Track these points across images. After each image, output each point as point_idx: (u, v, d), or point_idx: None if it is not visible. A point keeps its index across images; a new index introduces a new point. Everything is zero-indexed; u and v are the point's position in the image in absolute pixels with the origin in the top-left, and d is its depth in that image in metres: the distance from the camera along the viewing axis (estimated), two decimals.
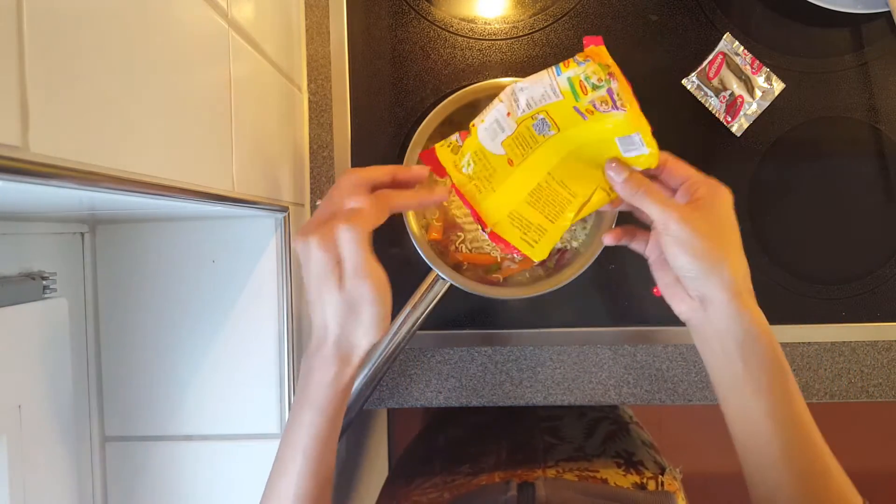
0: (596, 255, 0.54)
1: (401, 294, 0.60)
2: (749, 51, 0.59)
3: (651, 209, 0.43)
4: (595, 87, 0.44)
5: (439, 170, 0.47)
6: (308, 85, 0.62)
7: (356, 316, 0.41)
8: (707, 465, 1.17)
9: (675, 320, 0.61)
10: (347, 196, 0.41)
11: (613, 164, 0.45)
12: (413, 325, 0.54)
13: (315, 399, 0.41)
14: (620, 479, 0.61)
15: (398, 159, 0.58)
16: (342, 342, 0.41)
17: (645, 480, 0.62)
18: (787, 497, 0.42)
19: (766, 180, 0.60)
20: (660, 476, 0.64)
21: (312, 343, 0.42)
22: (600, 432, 0.69)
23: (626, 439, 0.69)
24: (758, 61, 0.59)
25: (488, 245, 0.56)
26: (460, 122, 0.57)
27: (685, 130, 0.60)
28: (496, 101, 0.47)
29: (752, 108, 0.59)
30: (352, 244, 0.40)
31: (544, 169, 0.47)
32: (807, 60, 0.60)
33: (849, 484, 0.42)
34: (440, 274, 0.52)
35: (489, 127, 0.46)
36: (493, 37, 0.60)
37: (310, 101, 0.62)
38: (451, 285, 0.53)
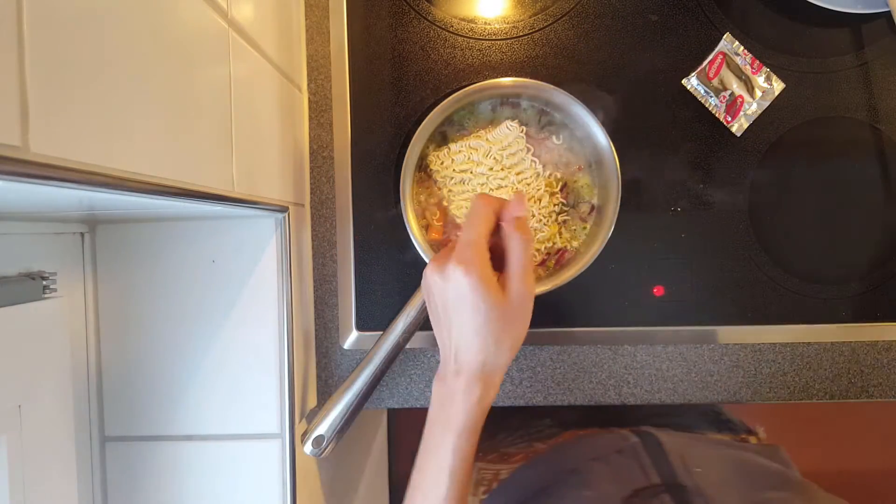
0: (596, 255, 0.54)
1: (401, 294, 0.61)
2: (749, 51, 0.59)
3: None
4: None
5: None
6: (308, 85, 0.62)
7: (504, 333, 0.42)
8: None
9: (674, 320, 0.61)
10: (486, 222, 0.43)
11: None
12: (413, 326, 0.54)
13: (461, 423, 0.41)
14: (718, 437, 0.61)
15: (398, 159, 0.58)
16: (487, 365, 0.41)
17: (743, 437, 0.62)
18: None
19: (766, 180, 0.60)
20: (756, 434, 0.64)
21: (448, 368, 0.42)
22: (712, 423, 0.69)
23: (707, 403, 0.68)
24: (758, 61, 0.59)
25: None
26: (460, 121, 0.57)
27: (685, 130, 0.60)
28: None
29: (752, 108, 0.59)
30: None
31: None
32: (807, 60, 0.60)
33: None
34: None
35: None
36: (493, 37, 0.60)
37: (310, 101, 0.62)
38: None
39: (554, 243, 0.57)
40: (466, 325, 0.41)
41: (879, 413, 1.49)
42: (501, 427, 0.68)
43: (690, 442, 0.55)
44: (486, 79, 0.59)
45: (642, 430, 0.56)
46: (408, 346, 0.56)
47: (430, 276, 0.43)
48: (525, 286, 0.42)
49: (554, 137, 0.57)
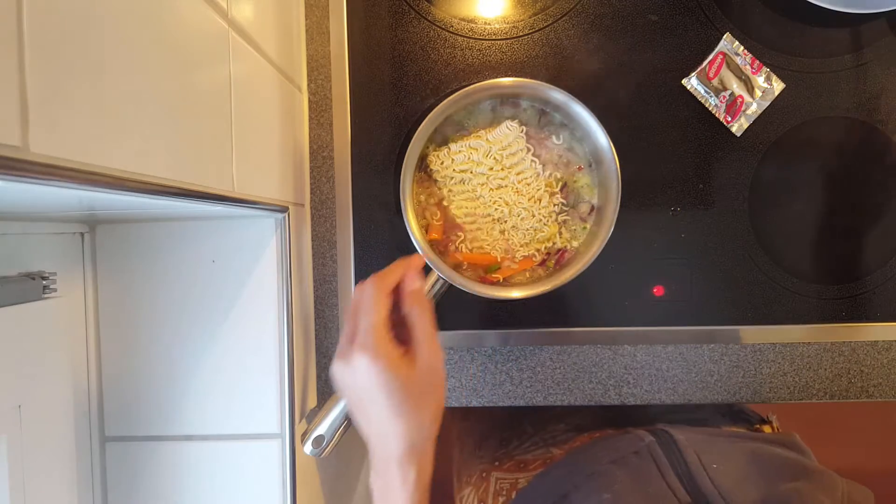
0: (596, 255, 0.54)
1: None
2: (749, 51, 0.59)
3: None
4: None
5: None
6: (308, 85, 0.62)
7: (422, 407, 0.43)
8: None
9: (674, 320, 0.61)
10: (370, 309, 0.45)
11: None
12: None
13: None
14: (733, 429, 0.61)
15: (398, 159, 0.58)
16: (415, 445, 0.43)
17: (758, 427, 0.62)
18: None
19: (766, 180, 0.60)
20: (770, 423, 0.64)
21: (380, 460, 0.43)
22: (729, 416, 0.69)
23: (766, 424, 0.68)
24: (758, 61, 0.59)
25: (488, 245, 0.56)
26: (460, 121, 0.57)
27: (685, 130, 0.60)
28: None
29: (752, 108, 0.59)
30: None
31: None
32: (807, 60, 0.60)
33: None
34: (440, 274, 0.52)
35: None
36: (493, 37, 0.60)
37: (310, 101, 0.62)
38: (451, 285, 0.53)
39: (554, 243, 0.57)
40: (384, 412, 0.43)
41: (879, 413, 1.49)
42: (515, 434, 0.68)
43: (706, 437, 0.55)
44: (486, 79, 0.59)
45: (657, 429, 0.56)
46: None
47: (338, 372, 0.45)
48: (431, 354, 0.44)
49: (554, 137, 0.57)
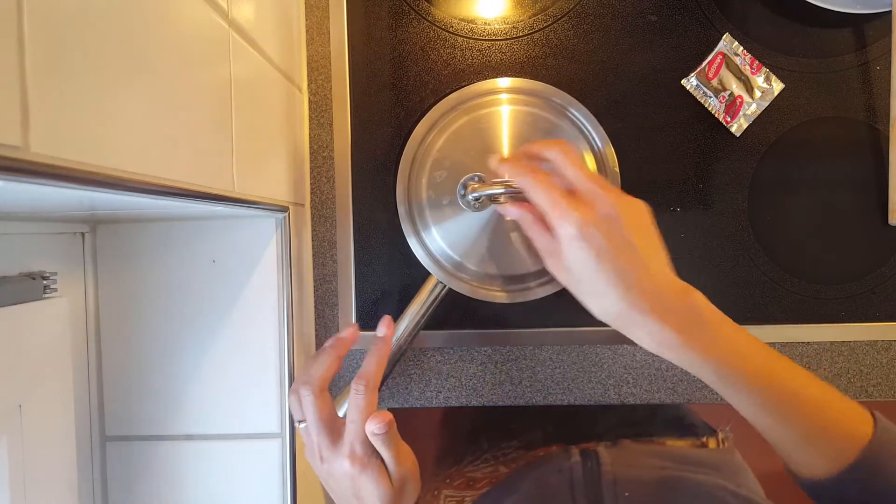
0: None
1: (401, 294, 0.61)
2: (748, 51, 0.59)
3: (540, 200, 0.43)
4: None
5: None
6: (308, 85, 0.62)
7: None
8: None
9: None
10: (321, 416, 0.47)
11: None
12: (414, 329, 0.54)
13: None
14: (678, 443, 0.61)
15: (398, 159, 0.58)
16: None
17: (704, 441, 0.63)
18: (798, 451, 0.42)
19: (766, 180, 0.60)
20: (717, 436, 0.64)
21: None
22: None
23: (672, 407, 0.68)
24: (757, 61, 0.59)
25: None
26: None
27: (685, 131, 0.60)
28: None
29: (752, 108, 0.59)
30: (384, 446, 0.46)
31: None
32: (806, 60, 0.60)
33: (852, 407, 0.42)
34: (439, 279, 0.52)
35: None
36: (493, 37, 0.60)
37: (310, 101, 0.62)
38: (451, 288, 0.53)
39: None
40: None
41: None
42: (469, 449, 0.68)
43: (635, 459, 0.55)
44: (485, 79, 0.59)
45: (588, 448, 0.56)
46: (407, 347, 0.56)
47: (323, 473, 0.48)
48: (403, 469, 0.46)
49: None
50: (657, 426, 0.65)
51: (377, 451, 0.45)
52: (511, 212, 0.46)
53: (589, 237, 0.40)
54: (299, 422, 0.49)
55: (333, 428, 0.46)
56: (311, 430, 0.46)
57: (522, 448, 0.63)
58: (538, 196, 0.42)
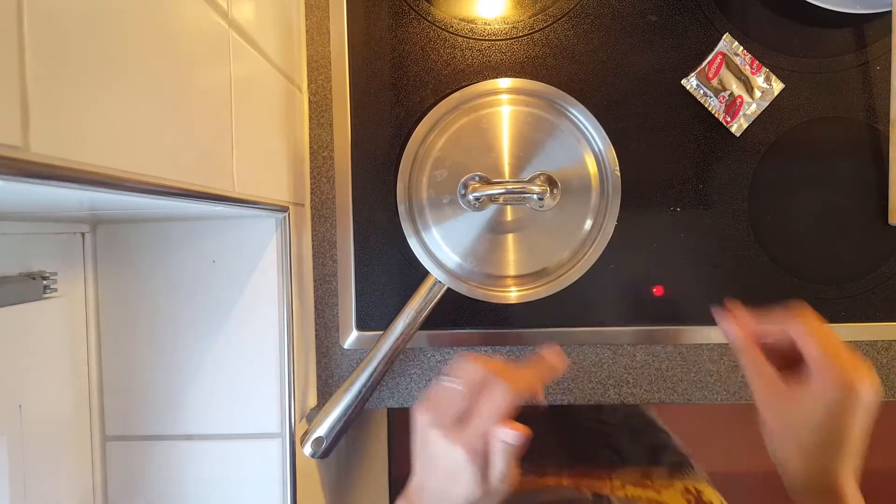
0: (596, 256, 0.54)
1: (401, 294, 0.61)
2: (748, 51, 0.59)
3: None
4: None
5: None
6: (308, 85, 0.62)
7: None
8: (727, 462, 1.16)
9: (674, 320, 0.61)
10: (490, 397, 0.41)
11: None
12: (412, 327, 0.54)
13: None
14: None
15: (398, 159, 0.58)
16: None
17: (680, 473, 0.63)
18: None
19: (766, 180, 0.60)
20: (687, 472, 0.64)
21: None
22: (665, 463, 0.69)
23: (691, 475, 0.69)
24: (757, 61, 0.59)
25: None
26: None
27: (685, 131, 0.60)
28: None
29: (752, 108, 0.59)
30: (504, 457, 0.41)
31: None
32: (806, 60, 0.60)
33: None
34: (438, 278, 0.52)
35: None
36: (493, 37, 0.60)
37: (310, 101, 0.62)
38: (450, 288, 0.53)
39: None
40: (462, 495, 0.41)
41: (879, 413, 1.48)
42: None
43: None
44: (486, 79, 0.59)
45: (601, 495, 0.56)
46: (408, 346, 0.56)
47: (434, 444, 0.41)
48: (503, 488, 0.42)
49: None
50: (675, 491, 0.65)
51: (489, 455, 0.41)
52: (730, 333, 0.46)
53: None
54: (450, 379, 0.43)
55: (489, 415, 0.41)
56: (464, 395, 0.41)
57: (532, 473, 0.62)
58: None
